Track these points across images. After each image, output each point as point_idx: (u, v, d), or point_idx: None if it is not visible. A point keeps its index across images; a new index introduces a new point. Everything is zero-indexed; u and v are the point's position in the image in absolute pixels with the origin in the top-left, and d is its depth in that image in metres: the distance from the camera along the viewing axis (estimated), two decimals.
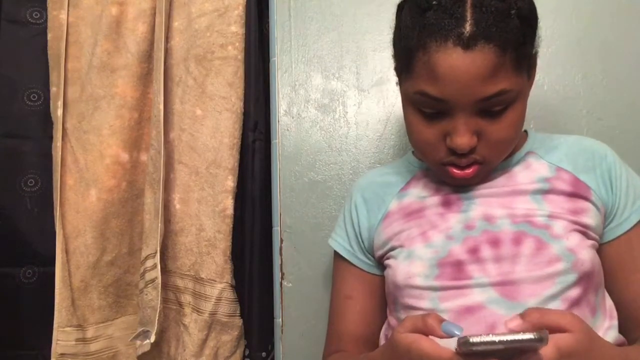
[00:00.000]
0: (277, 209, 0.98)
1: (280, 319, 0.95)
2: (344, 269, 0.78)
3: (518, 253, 0.62)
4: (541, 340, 0.44)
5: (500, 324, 0.59)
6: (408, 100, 0.65)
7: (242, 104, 1.03)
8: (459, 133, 0.61)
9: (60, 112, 1.01)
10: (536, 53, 0.65)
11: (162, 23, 1.02)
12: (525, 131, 0.74)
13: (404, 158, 0.81)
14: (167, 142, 1.02)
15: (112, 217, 1.00)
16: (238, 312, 0.99)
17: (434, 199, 0.71)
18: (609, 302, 0.66)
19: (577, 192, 0.66)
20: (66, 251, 0.97)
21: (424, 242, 0.67)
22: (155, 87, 1.01)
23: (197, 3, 1.05)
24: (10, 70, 1.03)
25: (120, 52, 1.03)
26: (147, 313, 0.95)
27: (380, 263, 0.75)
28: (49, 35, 1.04)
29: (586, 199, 0.66)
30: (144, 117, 1.05)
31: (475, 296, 0.62)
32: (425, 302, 0.64)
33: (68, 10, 1.04)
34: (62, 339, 0.95)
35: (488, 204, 0.67)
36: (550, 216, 0.64)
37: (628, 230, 0.66)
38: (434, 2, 0.59)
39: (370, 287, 0.76)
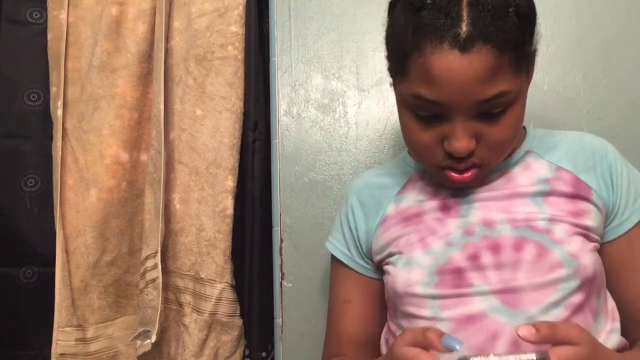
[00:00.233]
0: (277, 209, 0.98)
1: (280, 319, 0.95)
2: (342, 273, 0.77)
3: (519, 259, 0.61)
4: None
5: (502, 334, 0.58)
6: (403, 103, 0.63)
7: (242, 104, 1.03)
8: (457, 137, 0.59)
9: (60, 112, 1.01)
10: (535, 51, 0.63)
11: (162, 23, 1.02)
12: (524, 127, 0.72)
13: (400, 158, 0.80)
14: (167, 142, 1.02)
15: (112, 217, 1.00)
16: (238, 312, 0.99)
17: (432, 203, 0.69)
18: (610, 304, 0.65)
19: (578, 193, 0.65)
20: (66, 251, 0.97)
21: (423, 248, 0.66)
22: (156, 87, 1.01)
23: (197, 3, 1.05)
24: (10, 70, 1.03)
25: (120, 52, 1.03)
26: (147, 313, 0.95)
27: (379, 268, 0.73)
28: (49, 35, 1.04)
29: (587, 200, 0.65)
30: (144, 117, 1.05)
31: (477, 304, 0.61)
32: (425, 310, 0.63)
33: (68, 10, 1.04)
34: (62, 339, 0.95)
35: (487, 208, 0.66)
36: (551, 220, 0.63)
37: (629, 230, 0.66)
38: (428, 1, 0.56)
39: (369, 291, 0.75)
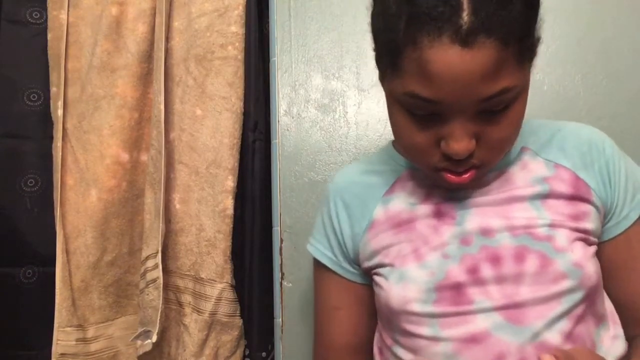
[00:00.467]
0: (277, 209, 0.98)
1: (280, 319, 0.95)
2: (328, 279, 0.72)
3: (521, 272, 0.57)
4: None
5: (508, 354, 0.55)
6: (395, 101, 0.57)
7: (242, 104, 1.03)
8: (456, 138, 0.54)
9: (60, 112, 1.01)
10: (539, 39, 0.56)
11: (162, 23, 1.02)
12: None
13: (385, 151, 0.73)
14: (168, 142, 1.02)
15: (112, 217, 1.00)
16: (238, 312, 0.99)
17: (425, 208, 0.64)
18: (609, 306, 0.64)
19: (578, 194, 0.62)
20: (66, 251, 0.98)
21: (417, 260, 0.61)
22: (156, 87, 1.01)
23: (197, 3, 1.05)
24: (10, 70, 1.03)
25: (120, 52, 1.03)
26: (148, 313, 0.95)
27: (367, 274, 0.69)
28: (49, 35, 1.04)
29: (587, 201, 0.62)
30: (144, 117, 1.05)
31: (479, 322, 0.57)
32: (424, 328, 0.59)
33: (68, 10, 1.04)
34: (63, 339, 0.95)
35: (484, 214, 0.62)
36: (552, 225, 0.59)
37: (627, 229, 0.63)
38: None
39: (357, 297, 0.71)
